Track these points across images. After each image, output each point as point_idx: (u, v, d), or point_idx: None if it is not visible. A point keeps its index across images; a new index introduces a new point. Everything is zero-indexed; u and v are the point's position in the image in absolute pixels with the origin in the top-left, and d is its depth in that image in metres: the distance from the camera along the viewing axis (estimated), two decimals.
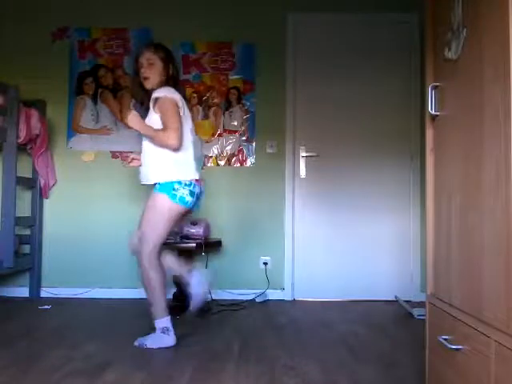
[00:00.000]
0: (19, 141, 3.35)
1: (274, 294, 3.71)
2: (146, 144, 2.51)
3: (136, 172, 3.74)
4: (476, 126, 1.39)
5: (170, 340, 2.43)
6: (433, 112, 1.70)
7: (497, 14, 1.26)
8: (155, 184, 2.45)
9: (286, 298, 3.72)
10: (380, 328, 2.90)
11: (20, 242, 3.62)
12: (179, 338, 2.61)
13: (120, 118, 3.80)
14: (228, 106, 3.80)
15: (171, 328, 2.44)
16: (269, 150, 3.79)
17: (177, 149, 2.40)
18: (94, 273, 3.71)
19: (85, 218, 3.75)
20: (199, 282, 2.51)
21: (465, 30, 1.47)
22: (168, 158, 2.42)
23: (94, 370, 2.09)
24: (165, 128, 2.38)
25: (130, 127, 2.46)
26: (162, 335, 2.43)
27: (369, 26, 3.83)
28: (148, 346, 2.41)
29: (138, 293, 3.65)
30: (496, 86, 1.26)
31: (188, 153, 2.49)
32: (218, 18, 3.82)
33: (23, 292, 3.67)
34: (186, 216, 2.63)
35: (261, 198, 3.77)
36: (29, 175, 3.64)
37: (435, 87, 1.69)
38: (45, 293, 3.69)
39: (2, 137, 3.26)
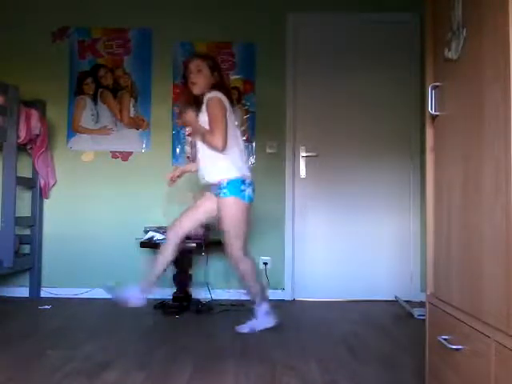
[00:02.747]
0: (19, 141, 3.35)
1: (274, 294, 3.69)
2: (203, 145, 2.71)
3: (137, 171, 3.76)
4: (476, 126, 1.39)
5: (270, 321, 2.74)
6: (433, 112, 1.70)
7: (497, 14, 1.26)
8: (220, 186, 2.64)
9: (285, 298, 3.72)
10: (380, 328, 2.90)
11: (20, 242, 3.61)
12: (179, 337, 2.61)
13: (120, 118, 3.80)
14: None
15: (270, 311, 2.77)
16: (269, 150, 3.79)
17: (222, 150, 2.60)
18: (94, 273, 3.70)
19: (85, 218, 3.75)
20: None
21: (465, 30, 1.47)
22: (226, 157, 2.64)
23: (93, 369, 2.09)
24: (210, 129, 2.60)
25: (184, 122, 2.78)
26: (265, 317, 2.74)
27: (369, 25, 3.82)
28: (257, 330, 2.70)
29: None
30: (496, 86, 1.26)
31: (242, 152, 2.74)
32: (218, 18, 3.81)
33: (23, 292, 3.67)
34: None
35: (261, 198, 3.74)
36: (29, 175, 3.64)
37: (435, 87, 1.69)
38: (45, 293, 3.69)
39: (2, 137, 3.26)
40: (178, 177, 2.93)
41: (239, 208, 2.66)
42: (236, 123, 2.82)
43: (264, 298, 2.78)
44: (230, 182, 2.63)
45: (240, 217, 2.67)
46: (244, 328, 2.72)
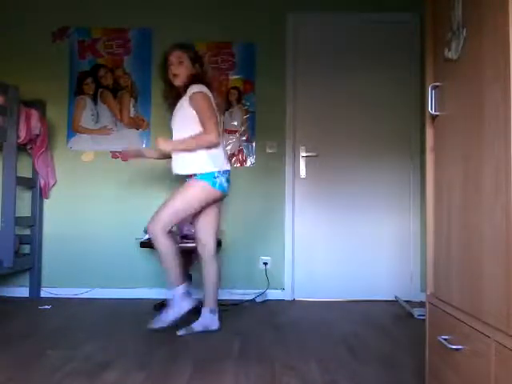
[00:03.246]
0: (19, 141, 3.35)
1: (273, 294, 3.71)
2: (180, 137, 2.66)
3: (136, 171, 3.77)
4: (476, 126, 1.39)
5: (189, 303, 2.61)
6: (433, 112, 1.70)
7: (497, 14, 1.26)
8: (192, 175, 2.61)
9: (286, 298, 3.72)
10: (380, 328, 2.90)
11: (20, 242, 3.62)
12: (179, 337, 2.61)
13: (120, 118, 3.80)
14: (228, 105, 3.79)
15: (189, 292, 2.65)
16: (269, 150, 3.79)
17: (218, 144, 2.58)
18: (94, 273, 3.71)
19: (85, 218, 3.75)
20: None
21: (465, 30, 1.47)
22: (203, 151, 2.58)
23: (93, 369, 2.09)
24: (204, 126, 2.55)
25: (163, 151, 2.68)
26: (183, 299, 2.60)
27: (369, 25, 3.82)
28: (170, 319, 2.58)
29: (138, 293, 3.67)
30: (496, 86, 1.26)
31: (220, 146, 2.65)
32: (218, 18, 3.81)
33: (23, 292, 3.67)
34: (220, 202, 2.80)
35: (261, 198, 3.77)
36: (29, 175, 3.64)
37: (435, 87, 1.69)
38: (45, 293, 3.69)
39: (2, 137, 3.26)
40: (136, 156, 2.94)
41: (204, 192, 2.58)
42: (218, 117, 2.71)
43: (181, 280, 2.62)
44: (204, 174, 2.58)
45: (198, 199, 2.58)
46: (157, 323, 2.60)
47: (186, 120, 2.62)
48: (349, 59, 3.82)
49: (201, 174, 2.59)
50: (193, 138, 2.60)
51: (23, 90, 3.41)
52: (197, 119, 2.59)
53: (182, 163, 2.64)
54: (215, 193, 2.62)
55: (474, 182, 1.40)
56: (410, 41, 3.80)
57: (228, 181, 2.66)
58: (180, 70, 2.65)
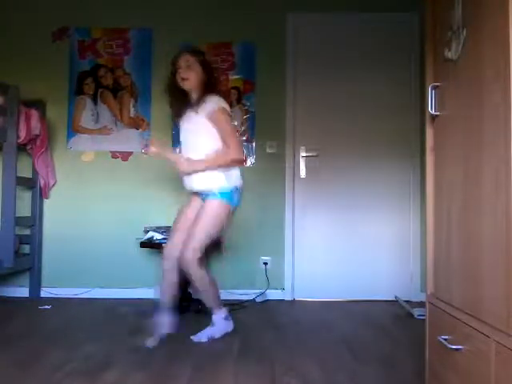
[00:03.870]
0: (19, 141, 3.35)
1: (273, 294, 3.71)
2: (197, 153, 2.57)
3: (137, 171, 3.77)
4: (476, 126, 1.39)
5: (230, 325, 2.68)
6: (433, 112, 1.70)
7: (497, 14, 1.26)
8: (209, 191, 2.54)
9: (286, 298, 3.72)
10: (380, 328, 2.90)
11: (20, 242, 3.62)
12: (179, 337, 2.61)
13: (120, 118, 3.80)
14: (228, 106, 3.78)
15: (229, 315, 2.70)
16: (269, 150, 3.79)
17: (243, 161, 2.56)
18: (94, 273, 3.70)
19: (85, 218, 3.75)
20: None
21: (465, 30, 1.47)
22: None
23: (94, 369, 2.09)
24: (227, 144, 2.50)
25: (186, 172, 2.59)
26: (224, 322, 2.64)
27: (369, 25, 3.82)
28: (216, 337, 2.58)
29: (138, 293, 3.66)
30: (496, 86, 1.26)
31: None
32: (218, 18, 3.81)
33: (23, 292, 3.67)
34: None
35: (261, 198, 3.77)
36: (29, 175, 3.64)
37: (435, 87, 1.69)
38: (45, 293, 3.69)
39: (2, 137, 3.26)
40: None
41: (225, 211, 2.53)
42: (235, 123, 2.71)
43: (221, 304, 2.67)
44: (223, 193, 2.52)
45: (222, 219, 2.54)
46: (201, 337, 2.56)
47: (201, 137, 2.53)
48: (349, 59, 3.82)
49: (220, 193, 2.51)
50: (217, 156, 2.52)
51: (23, 89, 3.41)
52: (215, 136, 2.52)
53: (197, 179, 2.56)
54: (233, 210, 2.60)
55: (474, 182, 1.40)
56: (409, 41, 3.79)
57: (241, 196, 2.63)
58: (189, 74, 2.57)
